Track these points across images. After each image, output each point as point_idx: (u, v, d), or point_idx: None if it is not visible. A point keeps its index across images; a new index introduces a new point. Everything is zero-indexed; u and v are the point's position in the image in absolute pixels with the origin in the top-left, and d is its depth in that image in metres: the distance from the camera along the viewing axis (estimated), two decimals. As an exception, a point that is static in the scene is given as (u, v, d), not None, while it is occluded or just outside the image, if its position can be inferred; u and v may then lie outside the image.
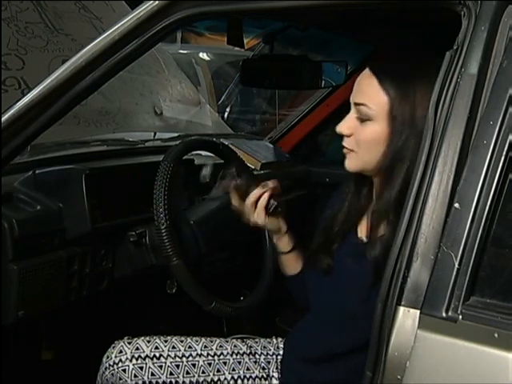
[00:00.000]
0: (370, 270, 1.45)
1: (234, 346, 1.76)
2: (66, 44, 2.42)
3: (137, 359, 1.67)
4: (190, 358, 1.70)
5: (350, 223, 1.61)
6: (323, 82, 2.40)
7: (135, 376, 1.65)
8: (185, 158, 1.91)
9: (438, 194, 1.12)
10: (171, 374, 1.67)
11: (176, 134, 2.62)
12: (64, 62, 1.49)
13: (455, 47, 1.17)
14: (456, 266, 1.07)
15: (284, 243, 1.75)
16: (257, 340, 1.82)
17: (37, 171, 1.89)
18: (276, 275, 1.88)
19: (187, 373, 1.68)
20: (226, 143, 2.13)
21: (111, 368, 1.67)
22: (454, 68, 1.16)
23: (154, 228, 1.72)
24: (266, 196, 1.66)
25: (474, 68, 1.14)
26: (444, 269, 1.08)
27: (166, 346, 1.70)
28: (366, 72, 1.52)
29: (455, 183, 1.11)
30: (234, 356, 1.73)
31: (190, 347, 1.71)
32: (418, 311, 1.09)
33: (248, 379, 1.71)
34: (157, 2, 1.41)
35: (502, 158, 1.08)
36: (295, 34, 2.15)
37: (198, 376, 1.68)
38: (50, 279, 1.80)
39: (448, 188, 1.12)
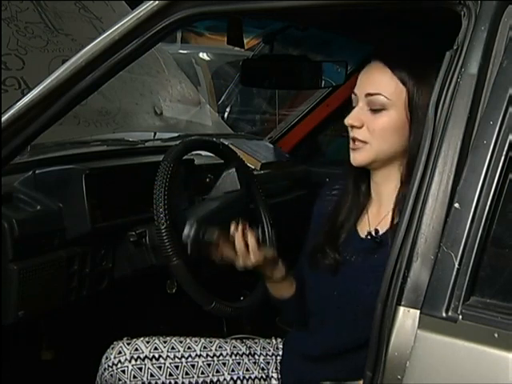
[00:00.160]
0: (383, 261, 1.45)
1: (234, 346, 1.76)
2: (66, 44, 2.42)
3: (136, 360, 1.66)
4: (190, 359, 1.69)
5: (350, 222, 1.61)
6: (323, 81, 2.40)
7: (134, 377, 1.65)
8: (185, 158, 1.91)
9: (438, 194, 1.12)
10: (170, 374, 1.67)
11: (176, 134, 2.62)
12: (64, 62, 1.49)
13: (455, 47, 1.17)
14: (456, 266, 1.07)
15: (279, 271, 1.66)
16: (256, 341, 1.82)
17: (37, 171, 1.89)
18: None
19: (186, 373, 1.68)
20: (226, 143, 2.13)
21: (110, 369, 1.67)
22: (454, 68, 1.16)
23: (154, 228, 1.72)
24: (250, 235, 1.58)
25: (474, 68, 1.14)
26: (444, 269, 1.08)
27: (165, 347, 1.70)
28: (376, 63, 1.52)
29: (455, 183, 1.11)
30: (234, 357, 1.73)
31: (189, 348, 1.71)
32: (418, 311, 1.09)
33: (247, 380, 1.71)
34: (157, 2, 1.41)
35: (502, 158, 1.08)
36: (295, 33, 2.15)
37: (198, 377, 1.68)
38: (50, 279, 1.80)
39: (448, 188, 1.12)
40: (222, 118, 4.89)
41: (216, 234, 1.62)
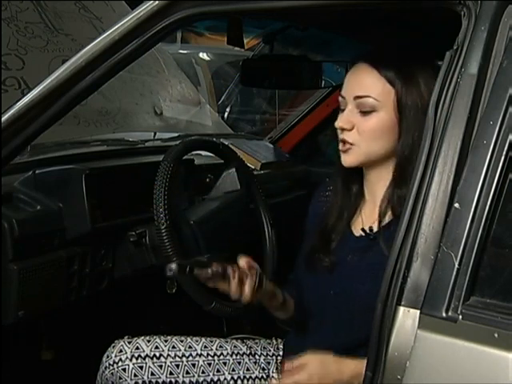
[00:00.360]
0: (383, 257, 1.46)
1: (234, 346, 1.76)
2: (66, 44, 2.42)
3: (137, 358, 1.66)
4: (190, 358, 1.70)
5: (343, 222, 1.61)
6: (323, 81, 2.40)
7: (135, 375, 1.65)
8: (185, 158, 1.91)
9: (438, 194, 1.12)
10: (171, 373, 1.67)
11: (176, 134, 2.62)
12: (64, 62, 1.49)
13: (455, 47, 1.17)
14: (456, 266, 1.07)
15: (277, 300, 1.65)
16: (257, 341, 1.82)
17: (37, 171, 1.89)
18: (276, 275, 1.88)
19: (187, 372, 1.68)
20: (226, 143, 2.13)
21: (111, 367, 1.67)
22: (454, 68, 1.16)
23: (154, 228, 1.72)
24: (249, 277, 1.51)
25: (474, 68, 1.14)
26: (444, 269, 1.08)
27: (166, 346, 1.70)
28: (362, 65, 1.53)
29: (455, 183, 1.11)
30: (234, 356, 1.73)
31: (190, 347, 1.71)
32: (418, 311, 1.09)
33: (248, 380, 1.71)
34: (157, 2, 1.41)
35: (502, 158, 1.08)
36: (295, 33, 2.15)
37: (198, 376, 1.68)
38: (50, 279, 1.81)
39: (448, 188, 1.12)
40: (222, 118, 4.90)
41: (206, 268, 1.46)
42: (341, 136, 1.54)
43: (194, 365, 1.69)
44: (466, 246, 1.07)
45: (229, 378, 1.70)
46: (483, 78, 1.14)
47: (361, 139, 1.51)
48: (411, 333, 1.08)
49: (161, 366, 1.67)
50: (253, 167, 2.53)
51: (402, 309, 1.10)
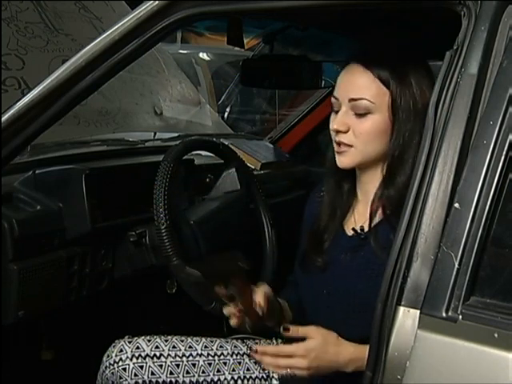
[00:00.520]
0: (374, 256, 1.46)
1: (235, 346, 1.76)
2: (66, 44, 2.42)
3: (137, 358, 1.66)
4: (191, 358, 1.69)
5: (336, 221, 1.61)
6: (323, 81, 2.40)
7: (135, 375, 1.65)
8: (185, 158, 1.91)
9: (438, 194, 1.12)
10: (171, 373, 1.67)
11: (176, 134, 2.62)
12: (64, 62, 1.49)
13: (455, 47, 1.17)
14: (456, 266, 1.07)
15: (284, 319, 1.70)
16: (257, 341, 1.82)
17: (37, 171, 1.89)
18: (276, 275, 1.88)
19: (187, 372, 1.68)
20: (226, 143, 2.13)
21: (111, 367, 1.67)
22: (454, 68, 1.16)
23: (154, 228, 1.72)
24: (262, 303, 1.59)
25: (474, 68, 1.14)
26: (444, 269, 1.08)
27: (166, 346, 1.70)
28: (356, 66, 1.52)
29: (455, 183, 1.11)
30: (235, 356, 1.73)
31: (190, 347, 1.71)
32: (418, 311, 1.09)
33: (248, 380, 1.71)
34: (157, 2, 1.41)
35: (502, 157, 1.08)
36: (295, 33, 2.15)
37: (198, 376, 1.68)
38: (50, 279, 1.81)
39: (448, 188, 1.12)
40: (222, 118, 4.90)
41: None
42: (336, 138, 1.54)
43: (194, 365, 1.69)
44: (465, 246, 1.07)
45: (229, 377, 1.70)
46: (483, 78, 1.14)
47: (357, 141, 1.52)
48: (411, 333, 1.08)
49: (161, 366, 1.67)
50: (253, 167, 2.53)
51: (401, 309, 1.10)
